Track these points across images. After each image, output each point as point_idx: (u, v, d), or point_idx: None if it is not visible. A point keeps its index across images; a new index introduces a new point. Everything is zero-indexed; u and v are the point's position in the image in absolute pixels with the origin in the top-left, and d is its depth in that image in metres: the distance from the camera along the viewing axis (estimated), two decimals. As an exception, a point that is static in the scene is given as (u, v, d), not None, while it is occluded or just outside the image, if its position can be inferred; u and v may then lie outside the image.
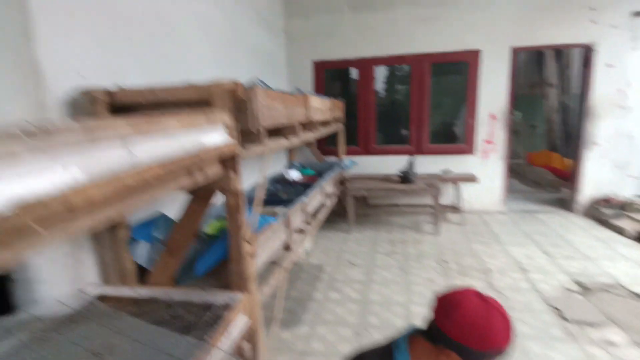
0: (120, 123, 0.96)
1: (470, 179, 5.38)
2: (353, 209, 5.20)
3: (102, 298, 1.81)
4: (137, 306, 1.82)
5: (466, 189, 5.61)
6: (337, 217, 5.46)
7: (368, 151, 5.91)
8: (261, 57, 4.63)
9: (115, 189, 0.93)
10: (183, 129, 1.25)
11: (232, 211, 1.74)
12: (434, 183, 4.92)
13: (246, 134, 1.94)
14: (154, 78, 2.43)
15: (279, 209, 3.01)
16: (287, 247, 2.89)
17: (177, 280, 2.07)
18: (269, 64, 4.93)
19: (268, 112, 2.13)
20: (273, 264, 2.59)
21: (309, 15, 5.58)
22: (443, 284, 3.57)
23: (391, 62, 5.63)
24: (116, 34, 2.15)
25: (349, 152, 5.86)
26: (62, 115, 1.82)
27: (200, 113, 1.35)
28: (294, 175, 4.64)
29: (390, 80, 6.33)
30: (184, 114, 1.26)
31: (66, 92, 1.82)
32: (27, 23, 1.62)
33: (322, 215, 4.11)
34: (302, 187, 4.03)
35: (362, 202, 5.86)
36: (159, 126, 1.12)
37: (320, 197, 4.17)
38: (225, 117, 1.55)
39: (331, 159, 5.68)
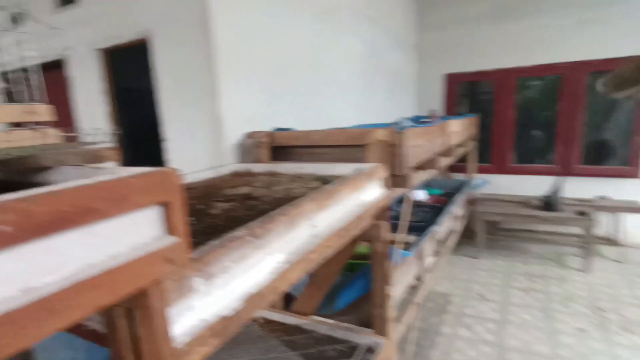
0: (308, 204, 1.04)
1: (635, 208, 4.47)
2: (483, 233, 4.81)
3: (253, 318, 2.02)
4: (285, 333, 1.98)
5: (628, 219, 4.69)
6: (462, 238, 5.12)
7: (502, 170, 5.39)
8: (392, 76, 4.61)
9: (304, 267, 1.01)
10: (351, 193, 1.30)
11: (379, 258, 1.76)
12: (588, 212, 4.23)
13: (393, 177, 1.93)
14: (304, 115, 2.62)
15: (410, 238, 2.94)
16: (419, 281, 2.81)
17: (318, 309, 2.19)
18: (398, 82, 4.88)
19: (414, 152, 2.10)
20: (406, 299, 2.54)
21: (444, 27, 5.35)
22: (600, 338, 3.04)
23: (537, 72, 5.02)
24: (277, 82, 2.38)
25: (480, 170, 5.44)
26: (232, 157, 2.07)
27: (363, 175, 1.38)
28: (421, 195, 4.49)
29: (532, 92, 5.66)
30: (352, 178, 1.30)
31: (237, 137, 2.08)
32: (213, 84, 1.90)
33: (452, 241, 3.89)
34: (430, 210, 3.88)
35: (492, 224, 5.37)
36: (335, 197, 1.18)
37: (450, 222, 3.96)
38: (382, 171, 1.57)
39: (460, 176, 5.34)
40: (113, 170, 0.70)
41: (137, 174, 0.56)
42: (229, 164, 2.01)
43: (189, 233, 0.65)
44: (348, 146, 1.99)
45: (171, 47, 2.08)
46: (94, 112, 2.57)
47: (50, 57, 2.70)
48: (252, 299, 0.81)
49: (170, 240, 0.62)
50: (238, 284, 0.78)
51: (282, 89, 2.44)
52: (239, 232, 0.81)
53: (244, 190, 1.60)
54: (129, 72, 2.37)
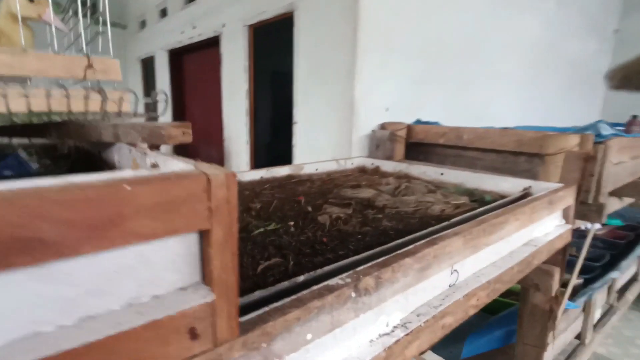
0: (453, 241, 0.67)
1: None
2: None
3: None
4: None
5: None
6: None
7: None
8: (573, 69, 3.62)
9: (430, 336, 0.65)
10: (519, 227, 0.86)
11: (537, 314, 1.25)
12: None
13: (580, 204, 1.36)
14: (453, 109, 2.15)
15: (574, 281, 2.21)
16: (579, 340, 2.11)
17: (435, 348, 1.77)
18: (579, 77, 3.83)
19: (616, 171, 1.46)
20: (561, 365, 1.90)
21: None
22: None
23: None
24: (425, 67, 1.98)
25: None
26: (361, 149, 1.79)
27: (542, 200, 0.92)
28: (592, 225, 3.47)
29: None
30: (525, 205, 0.86)
31: (370, 126, 1.78)
32: (353, 64, 1.63)
33: (633, 293, 2.90)
34: (606, 247, 2.93)
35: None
36: (496, 232, 0.77)
37: (635, 266, 2.94)
38: (569, 196, 1.06)
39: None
40: (158, 161, 0.46)
41: (149, 177, 0.30)
42: (356, 157, 1.73)
43: (236, 283, 0.37)
44: (513, 153, 1.49)
45: (314, 21, 1.88)
46: (235, 90, 2.61)
47: (208, 34, 2.85)
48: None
49: (205, 296, 0.35)
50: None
51: (430, 76, 2.03)
52: (337, 280, 0.50)
53: (366, 193, 1.30)
54: (269, 50, 2.31)
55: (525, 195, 1.08)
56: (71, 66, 0.57)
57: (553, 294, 1.22)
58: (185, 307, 0.34)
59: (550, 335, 1.33)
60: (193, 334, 0.35)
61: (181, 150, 3.96)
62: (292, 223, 1.00)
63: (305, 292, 0.47)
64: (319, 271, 0.63)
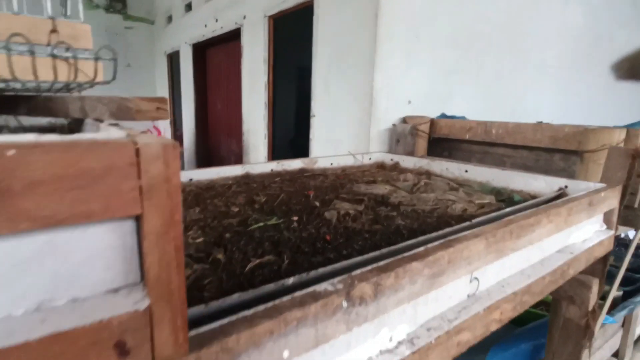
0: (474, 243, 0.57)
1: None
2: None
3: None
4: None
5: None
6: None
7: None
8: (620, 63, 3.35)
9: (444, 354, 0.55)
10: (553, 230, 0.75)
11: (574, 329, 1.12)
12: None
13: (625, 208, 1.21)
14: (482, 103, 2.01)
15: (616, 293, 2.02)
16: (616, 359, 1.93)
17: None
18: (627, 71, 3.54)
19: (666, 174, 1.29)
20: (596, 385, 1.73)
21: None
22: None
23: None
24: (454, 57, 1.85)
25: None
26: (380, 144, 1.69)
27: (580, 202, 0.80)
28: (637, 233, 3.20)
29: None
30: (559, 206, 0.74)
31: (390, 120, 1.67)
32: (374, 52, 1.53)
33: (680, 309, 2.64)
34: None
35: None
36: (526, 235, 0.66)
37: (682, 280, 2.68)
38: (613, 198, 0.93)
39: None
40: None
41: (46, 143, 0.23)
42: (375, 152, 1.63)
43: (183, 285, 0.30)
44: (547, 150, 1.35)
45: (334, 8, 1.80)
46: (255, 82, 2.55)
47: (230, 27, 2.81)
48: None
49: (138, 301, 0.28)
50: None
51: (459, 67, 1.89)
52: (326, 285, 0.42)
53: (381, 189, 1.20)
54: (289, 42, 2.25)
55: (560, 195, 0.95)
56: (33, 29, 0.51)
57: (590, 307, 1.09)
58: (108, 314, 0.26)
59: (585, 353, 1.19)
60: (122, 350, 0.27)
61: (202, 146, 3.96)
62: (295, 218, 0.92)
63: (284, 299, 0.39)
64: (312, 273, 0.55)
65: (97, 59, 0.54)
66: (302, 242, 0.75)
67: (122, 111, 0.46)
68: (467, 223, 0.71)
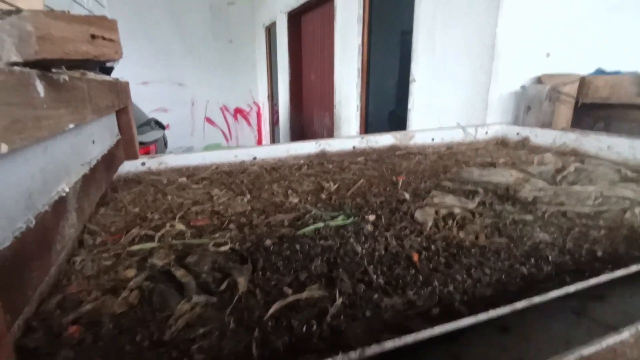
0: None
1: None
2: None
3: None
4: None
5: None
6: None
7: None
8: None
9: None
10: None
11: None
12: None
13: None
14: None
15: None
16: None
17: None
18: None
19: None
20: None
21: None
22: None
23: None
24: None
25: None
26: (502, 113, 1.28)
27: None
28: None
29: None
30: None
31: (518, 80, 1.25)
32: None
33: None
34: None
35: None
36: None
37: None
38: None
39: None
40: None
41: None
42: (493, 124, 1.23)
43: None
44: None
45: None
46: (347, 45, 2.26)
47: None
48: None
49: None
50: None
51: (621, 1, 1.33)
52: None
53: (505, 177, 0.84)
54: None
55: None
56: None
57: None
58: None
59: None
60: None
61: (295, 120, 3.86)
62: (372, 218, 0.63)
63: None
64: (375, 348, 0.28)
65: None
66: (374, 262, 0.47)
67: (23, 41, 0.24)
68: None
